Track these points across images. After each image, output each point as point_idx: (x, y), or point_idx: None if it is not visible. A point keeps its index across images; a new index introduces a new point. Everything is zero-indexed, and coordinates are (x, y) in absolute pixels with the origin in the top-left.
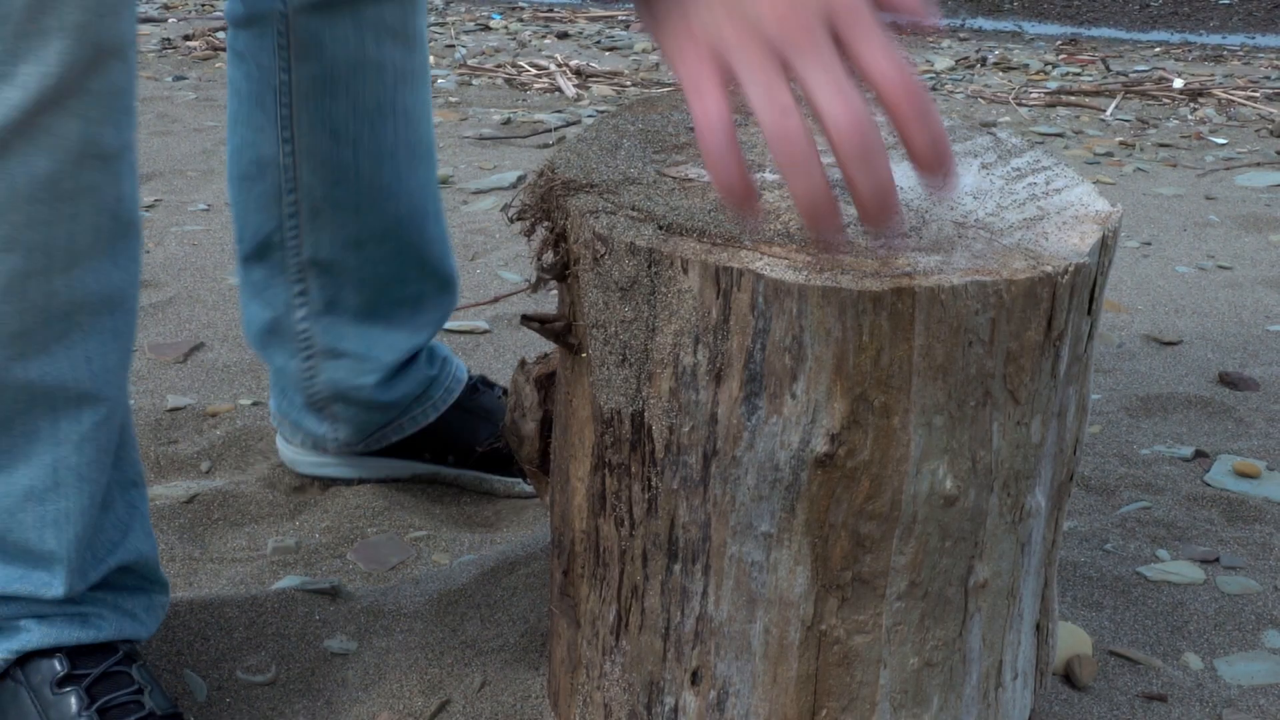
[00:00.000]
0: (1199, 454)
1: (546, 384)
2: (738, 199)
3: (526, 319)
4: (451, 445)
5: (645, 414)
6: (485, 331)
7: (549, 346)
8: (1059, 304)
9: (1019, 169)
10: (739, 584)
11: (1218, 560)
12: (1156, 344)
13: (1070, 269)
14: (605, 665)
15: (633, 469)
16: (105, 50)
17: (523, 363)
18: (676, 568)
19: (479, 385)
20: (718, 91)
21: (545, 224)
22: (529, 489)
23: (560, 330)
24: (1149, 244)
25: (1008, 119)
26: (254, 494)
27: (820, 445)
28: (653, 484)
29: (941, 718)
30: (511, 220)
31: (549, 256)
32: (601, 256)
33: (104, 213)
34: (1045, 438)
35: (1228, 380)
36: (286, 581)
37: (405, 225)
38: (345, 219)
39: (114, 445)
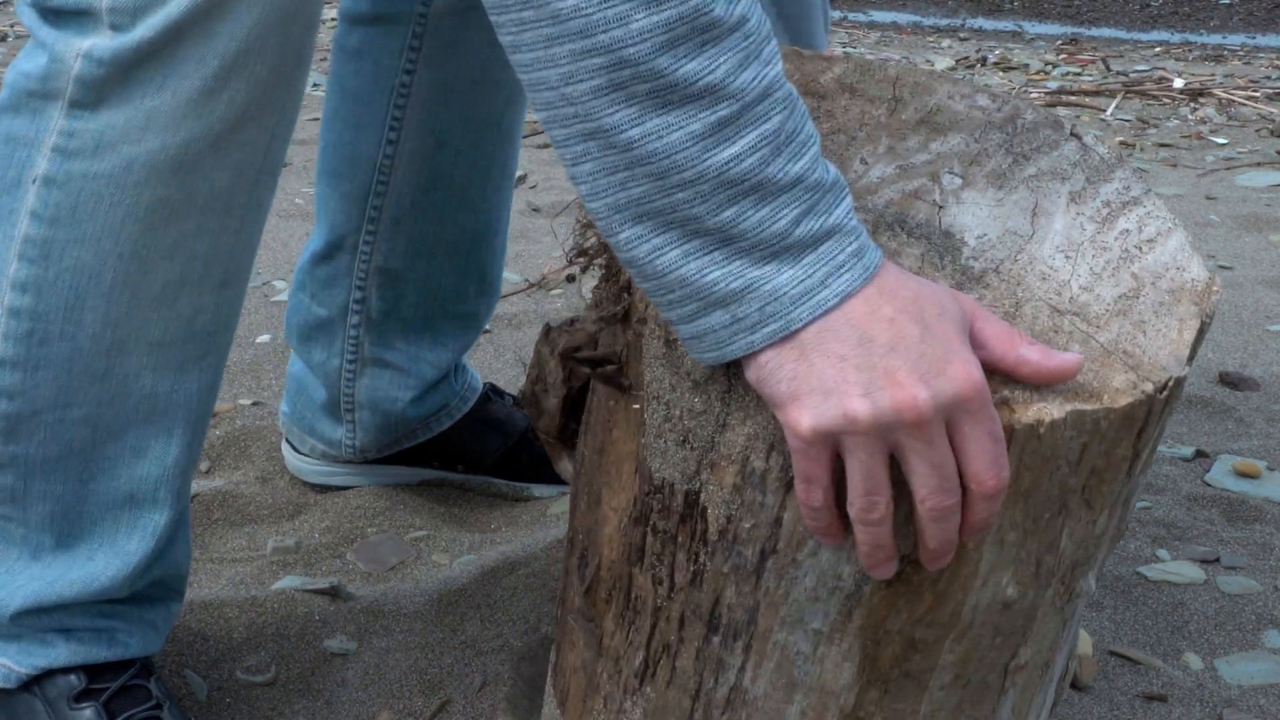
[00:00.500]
0: (1199, 454)
1: (572, 359)
2: (832, 542)
3: (575, 357)
4: (461, 454)
5: (701, 496)
6: (485, 331)
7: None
8: (1152, 419)
9: (1109, 204)
10: (780, 667)
11: (1218, 560)
12: None
13: (1170, 384)
14: (626, 703)
15: (679, 539)
16: (304, 60)
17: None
18: (715, 639)
19: (490, 394)
20: (827, 485)
21: (602, 260)
22: (535, 495)
23: (611, 374)
24: None
25: None
26: (254, 494)
27: None
28: (700, 559)
29: None
30: (569, 261)
31: (606, 298)
32: (675, 342)
33: (259, 231)
34: (1108, 527)
35: (1228, 380)
36: (286, 582)
37: (477, 240)
38: (425, 227)
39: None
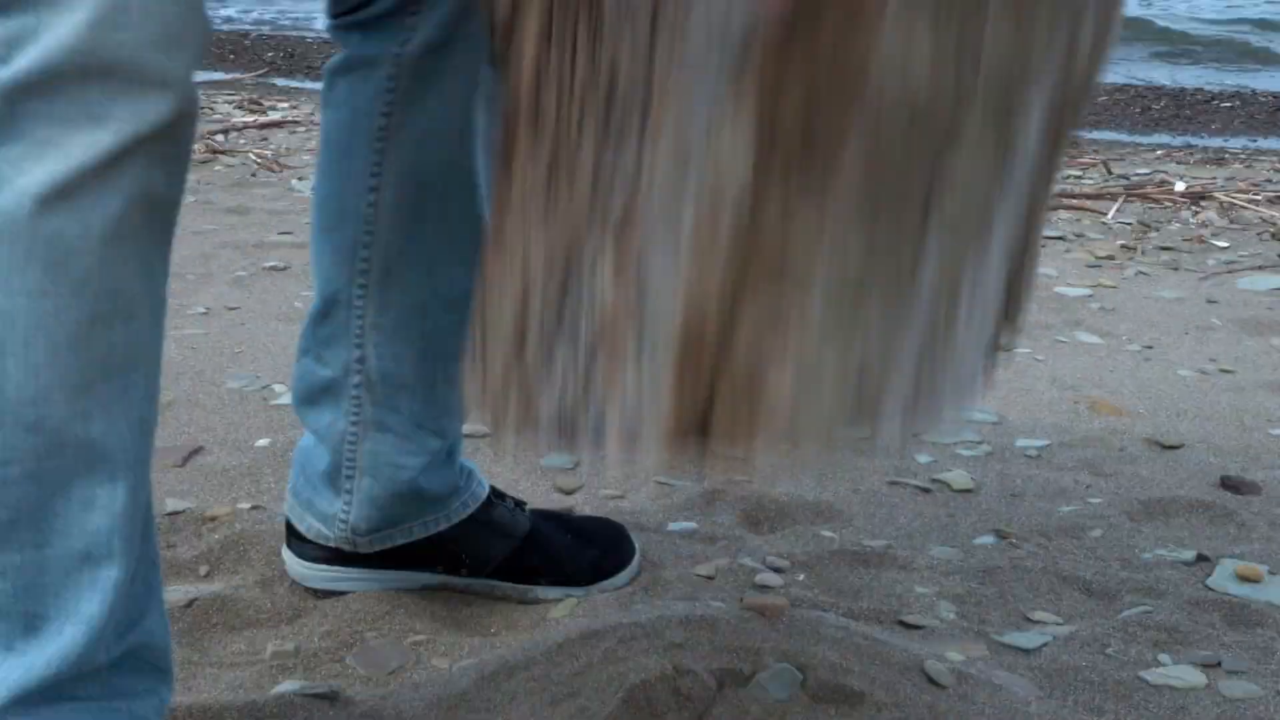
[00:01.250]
0: (1200, 558)
1: None
2: None
3: None
4: (465, 558)
5: None
6: None
7: None
8: None
9: None
10: (677, 152)
11: (1220, 665)
12: (1158, 448)
13: None
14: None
15: (580, 14)
16: (193, 102)
17: None
18: (613, 128)
19: (492, 499)
20: None
21: None
22: (540, 597)
23: None
24: (1150, 347)
25: None
26: (253, 598)
27: None
28: (599, 29)
29: (875, 345)
30: None
31: None
32: None
33: (164, 260)
34: (1050, 49)
35: (1229, 484)
36: (286, 686)
37: (472, 295)
38: (417, 278)
39: (148, 516)
